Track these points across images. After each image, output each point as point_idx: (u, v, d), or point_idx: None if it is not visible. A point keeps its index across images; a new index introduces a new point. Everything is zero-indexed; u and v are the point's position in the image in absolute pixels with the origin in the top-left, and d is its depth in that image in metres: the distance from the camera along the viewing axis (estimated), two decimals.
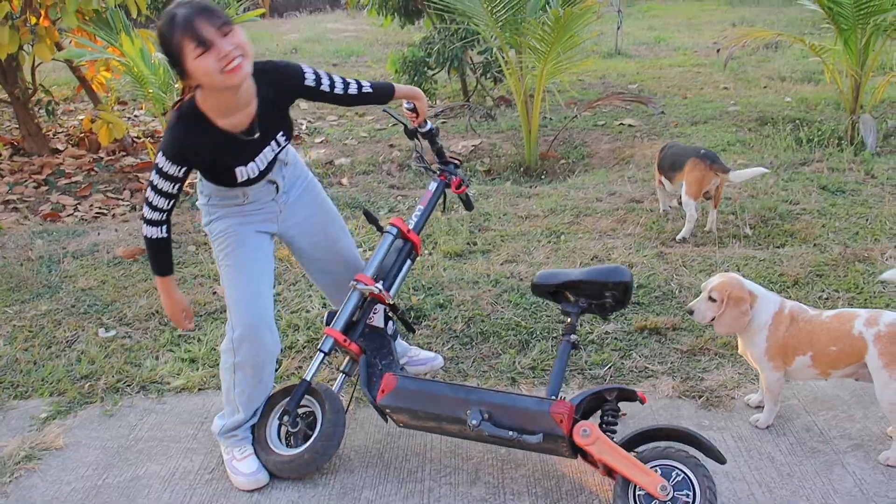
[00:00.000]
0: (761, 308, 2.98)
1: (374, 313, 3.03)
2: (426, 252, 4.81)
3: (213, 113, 2.62)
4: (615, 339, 3.75)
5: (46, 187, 6.69)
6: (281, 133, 2.84)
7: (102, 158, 7.46)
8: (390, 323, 3.10)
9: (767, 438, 3.03)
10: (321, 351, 2.97)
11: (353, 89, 3.01)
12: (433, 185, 3.31)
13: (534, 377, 3.48)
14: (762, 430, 3.07)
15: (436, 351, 3.68)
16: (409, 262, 3.20)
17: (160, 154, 2.64)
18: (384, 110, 3.44)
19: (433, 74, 8.77)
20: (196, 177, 2.90)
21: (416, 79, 8.46)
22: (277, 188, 2.96)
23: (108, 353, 3.81)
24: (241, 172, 2.76)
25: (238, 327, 2.86)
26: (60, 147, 7.76)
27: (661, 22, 15.92)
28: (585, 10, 6.17)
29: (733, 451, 2.95)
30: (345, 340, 2.94)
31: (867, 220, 4.94)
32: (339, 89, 2.96)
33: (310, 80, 2.86)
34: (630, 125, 7.77)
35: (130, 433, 3.24)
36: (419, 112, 3.23)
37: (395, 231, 3.14)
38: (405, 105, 3.23)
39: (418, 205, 3.27)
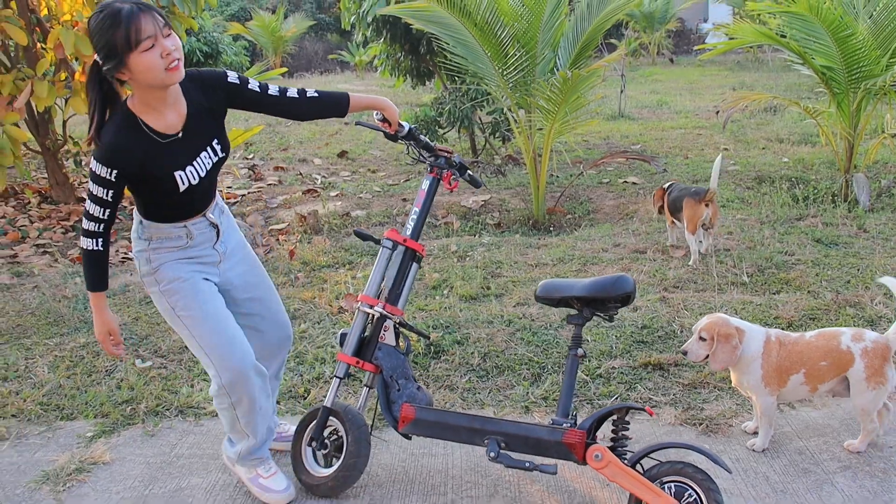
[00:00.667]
0: (750, 340, 3.26)
1: (385, 330, 3.08)
2: (444, 293, 5.09)
3: (144, 111, 2.65)
4: (621, 373, 4.00)
5: (73, 233, 7.00)
6: (216, 141, 2.83)
7: (126, 208, 7.78)
8: (404, 339, 3.15)
9: (763, 460, 3.27)
10: (336, 377, 3.10)
11: (292, 93, 2.97)
12: (425, 183, 3.21)
13: (546, 406, 3.74)
14: (758, 454, 3.32)
15: (453, 382, 3.95)
16: (414, 267, 3.17)
17: (93, 159, 2.64)
18: (357, 123, 3.43)
19: (444, 133, 9.13)
20: (132, 222, 2.92)
21: (427, 136, 8.81)
22: (218, 232, 2.94)
23: (147, 380, 4.07)
24: (181, 177, 2.73)
25: (225, 373, 2.87)
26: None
27: (663, 86, 16.39)
28: (591, 72, 6.53)
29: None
30: (357, 362, 3.06)
31: (858, 269, 5.22)
32: (273, 91, 2.92)
33: (232, 79, 2.83)
34: (633, 182, 8.11)
35: (171, 451, 3.49)
36: (390, 120, 3.15)
37: (390, 244, 3.12)
38: (375, 115, 3.18)
39: (413, 207, 3.20)
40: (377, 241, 3.14)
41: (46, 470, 3.34)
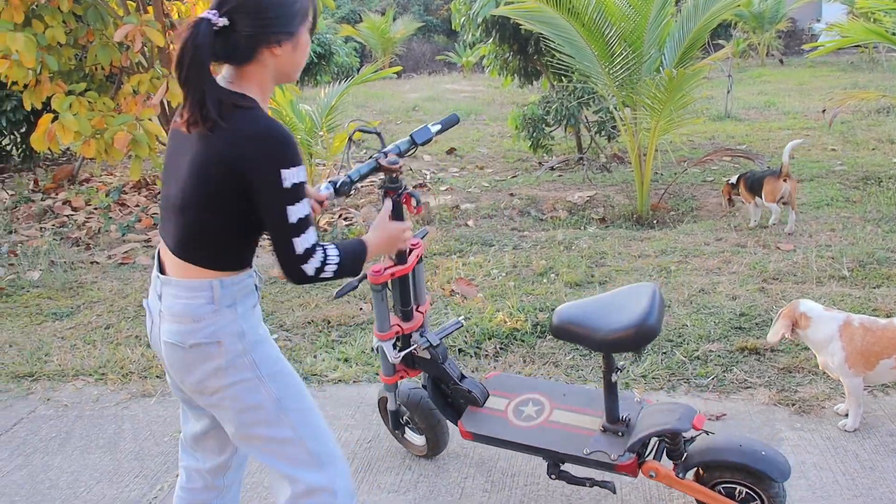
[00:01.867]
0: (820, 326, 3.44)
1: (414, 343, 3.08)
2: (550, 279, 5.35)
3: (264, 103, 2.12)
4: (718, 356, 4.19)
5: None
6: None
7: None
8: (433, 350, 3.08)
9: (854, 440, 3.43)
10: (387, 391, 3.21)
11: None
12: (388, 205, 2.68)
13: (644, 383, 3.96)
14: (850, 434, 3.47)
15: (558, 359, 4.21)
16: (418, 267, 3.07)
17: (288, 167, 1.98)
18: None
19: (550, 131, 9.36)
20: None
21: (533, 135, 9.06)
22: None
23: None
24: None
25: (341, 495, 2.24)
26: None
27: (772, 87, 16.23)
28: (697, 71, 6.68)
29: (821, 448, 3.37)
30: (401, 377, 3.15)
31: None
32: None
33: None
34: None
35: None
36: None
37: (377, 287, 2.94)
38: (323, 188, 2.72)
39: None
40: (357, 285, 3.00)
41: None
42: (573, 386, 3.34)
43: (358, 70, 19.33)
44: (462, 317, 3.90)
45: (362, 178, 2.80)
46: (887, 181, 7.63)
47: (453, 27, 11.25)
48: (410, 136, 3.01)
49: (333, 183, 2.68)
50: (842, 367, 3.41)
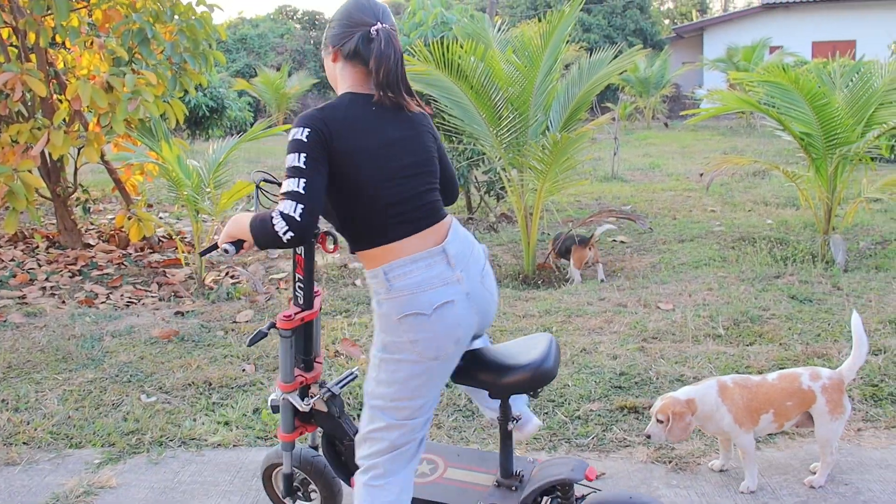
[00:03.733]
0: (704, 399, 3.52)
1: (305, 405, 2.96)
2: None
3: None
4: (598, 415, 4.25)
5: (80, 277, 7.27)
6: None
7: (131, 254, 8.08)
8: (333, 403, 3.01)
9: (727, 495, 3.51)
10: (285, 451, 3.05)
11: None
12: (300, 248, 2.90)
13: (527, 445, 3.98)
14: (721, 488, 3.56)
15: (441, 421, 4.19)
16: (315, 323, 3.02)
17: None
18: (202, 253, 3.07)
19: None
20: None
21: None
22: None
23: (152, 413, 4.32)
24: None
25: None
26: (92, 242, 8.39)
27: (657, 149, 16.82)
28: (581, 135, 6.88)
29: None
30: (300, 433, 3.04)
31: (829, 324, 5.49)
32: None
33: None
34: (622, 241, 8.42)
35: (175, 477, 3.72)
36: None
37: (287, 333, 2.88)
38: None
39: (294, 274, 2.96)
40: (270, 332, 2.94)
41: (56, 492, 3.58)
42: (466, 448, 3.33)
43: (251, 124, 19.23)
44: (356, 368, 3.85)
45: None
46: (761, 241, 7.95)
47: None
48: None
49: (234, 244, 2.64)
50: (732, 427, 3.49)
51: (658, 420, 3.49)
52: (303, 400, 2.95)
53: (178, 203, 7.70)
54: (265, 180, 3.04)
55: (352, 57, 2.52)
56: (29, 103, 7.61)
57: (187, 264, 7.44)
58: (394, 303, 2.46)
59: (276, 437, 4.06)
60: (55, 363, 5.08)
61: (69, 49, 8.19)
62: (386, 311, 2.48)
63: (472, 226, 9.01)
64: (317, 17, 37.80)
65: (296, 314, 2.89)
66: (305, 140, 2.35)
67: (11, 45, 7.74)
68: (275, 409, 3.02)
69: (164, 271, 7.54)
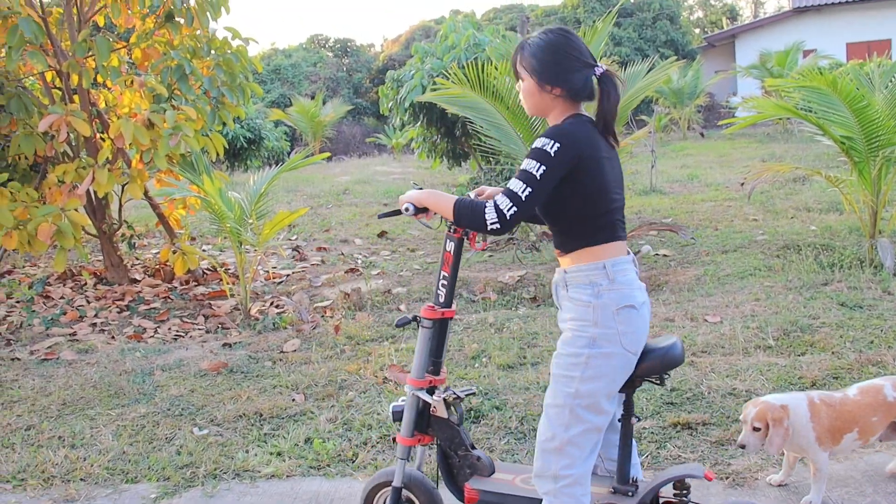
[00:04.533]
0: (796, 410, 3.43)
1: (436, 399, 3.04)
2: (483, 363, 5.35)
3: None
4: (651, 432, 4.22)
5: (128, 312, 7.37)
6: None
7: (176, 288, 8.17)
8: (454, 409, 3.08)
9: None
10: (400, 459, 3.10)
11: None
12: (450, 245, 3.00)
13: None
14: (781, 503, 3.51)
15: (492, 444, 4.18)
16: (448, 333, 3.13)
17: None
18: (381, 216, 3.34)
19: None
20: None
21: None
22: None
23: (205, 446, 4.35)
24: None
25: None
26: (138, 277, 8.50)
27: (694, 160, 16.70)
28: (619, 149, 6.85)
29: None
30: (418, 440, 3.09)
31: (882, 330, 5.41)
32: None
33: None
34: (664, 255, 8.35)
35: None
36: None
37: (429, 323, 3.03)
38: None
39: (440, 272, 3.03)
40: (418, 322, 3.07)
41: None
42: None
43: (289, 154, 19.44)
44: (475, 385, 3.89)
45: None
46: (806, 248, 7.85)
47: (381, 112, 11.42)
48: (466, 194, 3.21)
49: (412, 204, 2.95)
50: (811, 446, 3.41)
51: (754, 428, 3.38)
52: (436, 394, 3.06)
53: (221, 235, 7.79)
54: (421, 189, 3.13)
55: (576, 92, 2.76)
56: (74, 143, 7.75)
57: (232, 295, 7.51)
58: (616, 294, 2.69)
59: (349, 461, 4.08)
60: (108, 399, 5.14)
61: (111, 88, 8.33)
62: (606, 301, 2.68)
63: (515, 246, 9.00)
64: (349, 44, 38.12)
65: (437, 308, 3.03)
66: (552, 154, 2.60)
67: (55, 87, 7.89)
68: (396, 415, 3.11)
69: (209, 303, 7.61)
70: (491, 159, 9.23)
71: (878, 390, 3.50)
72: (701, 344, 5.42)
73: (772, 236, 8.67)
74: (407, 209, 2.93)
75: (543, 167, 2.59)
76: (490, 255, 8.91)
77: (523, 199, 2.58)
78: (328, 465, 4.09)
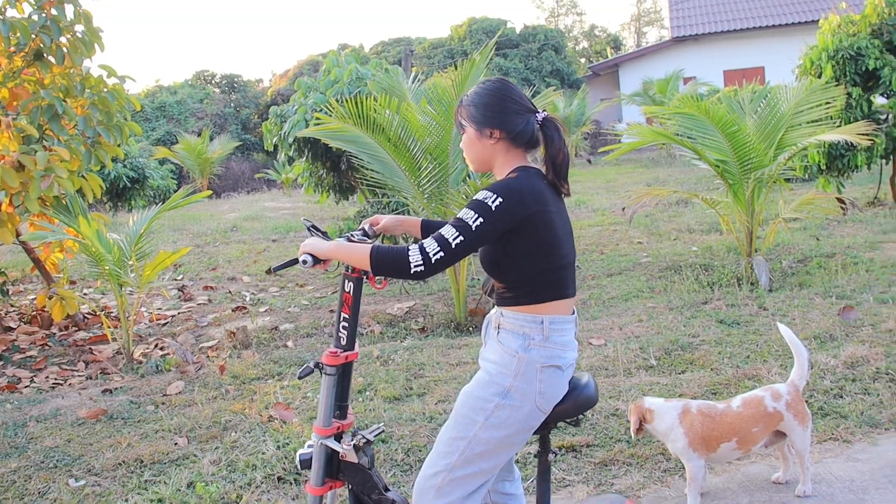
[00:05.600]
0: (663, 415, 3.62)
1: (345, 447, 2.93)
2: (368, 397, 5.31)
3: None
4: (535, 457, 4.23)
5: (2, 362, 7.05)
6: None
7: (55, 334, 7.88)
8: (364, 453, 2.97)
9: None
10: None
11: None
12: (349, 286, 2.95)
13: None
14: None
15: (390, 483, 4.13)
16: (351, 375, 3.07)
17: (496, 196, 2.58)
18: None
19: None
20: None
21: None
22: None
23: (81, 498, 4.17)
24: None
25: None
26: (13, 325, 8.17)
27: (582, 186, 17.04)
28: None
29: None
30: (329, 488, 3.00)
31: (758, 345, 5.58)
32: None
33: None
34: None
35: None
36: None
37: (333, 370, 2.93)
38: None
39: (340, 313, 2.96)
40: (321, 370, 2.96)
41: None
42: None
43: (175, 191, 19.03)
44: (382, 424, 3.80)
45: None
46: (687, 269, 8.08)
47: (266, 147, 11.31)
48: (361, 227, 3.20)
49: (311, 255, 2.82)
50: (685, 450, 3.56)
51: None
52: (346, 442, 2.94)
53: (101, 278, 7.55)
54: (313, 226, 3.10)
55: (516, 135, 2.72)
56: None
57: (114, 339, 7.28)
58: (545, 352, 2.64)
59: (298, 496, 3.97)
60: None
61: None
62: (533, 357, 2.63)
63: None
64: (235, 79, 37.70)
65: (340, 353, 2.94)
66: (493, 209, 2.54)
67: None
68: (304, 463, 2.99)
69: (90, 349, 7.36)
70: (377, 192, 9.23)
71: (759, 402, 3.64)
72: (585, 367, 5.49)
73: (655, 258, 8.90)
74: (305, 262, 2.82)
75: (481, 219, 2.53)
76: (373, 290, 8.87)
77: (453, 246, 2.52)
78: None
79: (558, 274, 2.68)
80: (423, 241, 2.56)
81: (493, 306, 2.80)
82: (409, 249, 2.54)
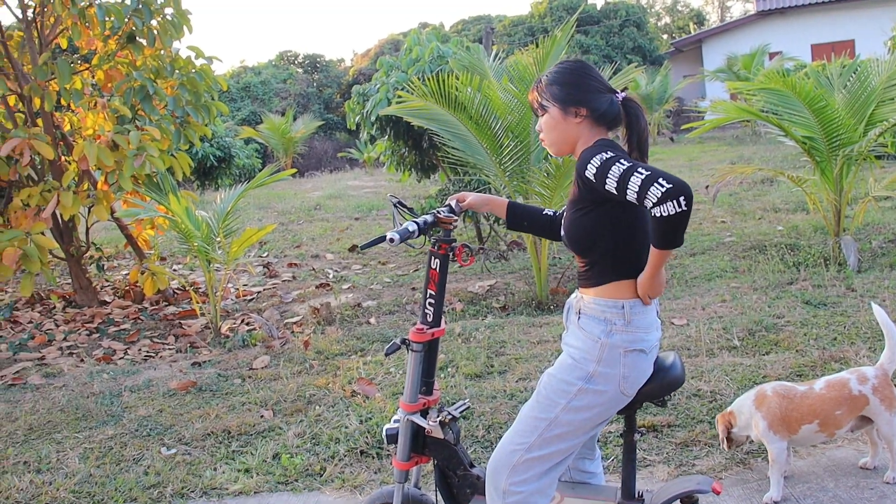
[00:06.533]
0: (741, 409, 3.64)
1: (431, 423, 2.96)
2: (450, 373, 5.37)
3: None
4: (617, 436, 4.24)
5: (98, 335, 7.33)
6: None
7: (147, 308, 8.14)
8: (449, 429, 2.97)
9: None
10: (398, 483, 3.02)
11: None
12: (435, 263, 2.95)
13: None
14: (743, 501, 3.54)
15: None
16: (436, 353, 3.04)
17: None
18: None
19: None
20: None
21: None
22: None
23: (172, 466, 4.33)
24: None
25: None
26: (108, 299, 8.46)
27: (665, 164, 16.80)
28: None
29: None
30: (416, 462, 3.02)
31: (845, 327, 5.47)
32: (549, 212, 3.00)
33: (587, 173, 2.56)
34: None
35: None
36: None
37: (419, 346, 2.94)
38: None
39: (426, 290, 2.97)
40: (408, 347, 2.96)
41: None
42: (580, 482, 3.15)
43: (260, 170, 19.38)
44: (466, 399, 3.86)
45: (428, 226, 2.94)
46: (772, 249, 7.93)
47: (348, 126, 11.43)
48: (447, 203, 3.13)
49: (399, 233, 2.82)
50: (766, 433, 3.54)
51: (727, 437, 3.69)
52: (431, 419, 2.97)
53: (189, 254, 7.77)
54: (399, 202, 3.13)
55: (601, 117, 2.67)
56: (38, 167, 7.70)
57: (203, 314, 7.49)
58: (628, 336, 2.60)
59: (315, 477, 4.08)
60: (75, 422, 5.11)
61: (74, 111, 8.31)
62: (616, 342, 2.59)
63: (484, 255, 9.03)
64: (318, 60, 38.13)
65: (427, 329, 2.95)
66: (613, 153, 2.48)
67: (18, 111, 7.85)
68: (390, 438, 3.01)
69: (180, 323, 7.59)
70: (459, 170, 9.26)
71: (843, 384, 3.57)
72: (667, 347, 5.45)
73: (739, 238, 8.76)
74: (392, 239, 2.79)
75: (623, 158, 2.45)
76: (460, 266, 8.93)
77: (649, 172, 2.35)
78: (296, 480, 4.09)
79: (640, 251, 2.61)
80: (644, 198, 2.35)
81: (575, 290, 2.78)
82: (655, 207, 2.33)
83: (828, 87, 7.91)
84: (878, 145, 8.00)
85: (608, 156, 2.47)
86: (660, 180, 2.31)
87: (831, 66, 9.21)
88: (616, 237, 2.61)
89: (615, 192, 2.43)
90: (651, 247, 2.49)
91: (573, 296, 2.81)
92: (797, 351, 5.15)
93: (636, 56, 31.55)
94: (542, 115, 2.75)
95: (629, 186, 2.37)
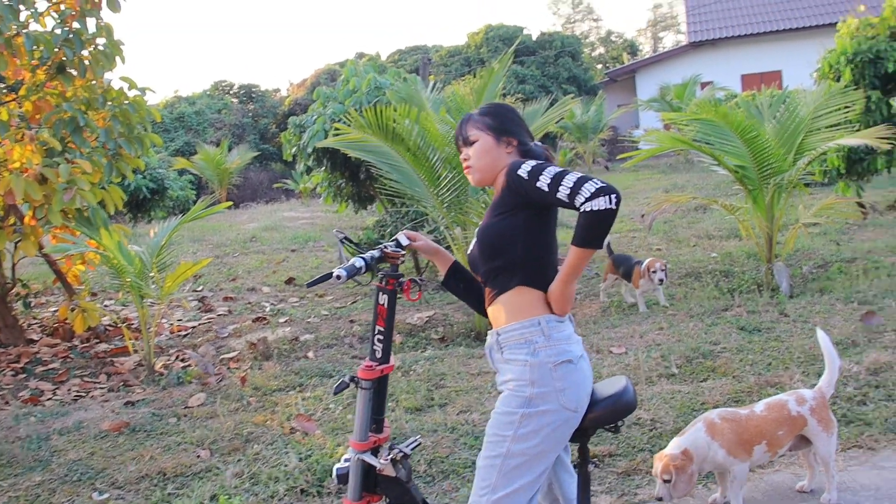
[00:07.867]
0: (696, 444, 3.56)
1: (383, 461, 2.90)
2: (390, 407, 5.31)
3: None
4: (575, 468, 4.22)
5: (24, 375, 7.10)
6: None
7: (77, 346, 7.93)
8: (401, 466, 2.93)
9: None
10: None
11: None
12: (383, 298, 2.96)
13: None
14: None
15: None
16: (385, 389, 3.03)
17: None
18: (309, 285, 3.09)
19: None
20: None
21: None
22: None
23: None
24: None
25: None
26: (35, 337, 8.23)
27: None
28: None
29: None
30: (367, 502, 2.94)
31: (779, 352, 5.55)
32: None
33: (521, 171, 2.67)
34: None
35: None
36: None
37: (368, 384, 2.92)
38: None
39: (374, 326, 2.96)
40: (356, 384, 2.93)
41: None
42: None
43: (194, 202, 19.10)
44: (418, 436, 3.80)
45: (375, 261, 2.93)
46: (706, 276, 8.05)
47: (284, 157, 11.35)
48: (395, 238, 3.10)
49: (346, 269, 2.82)
50: (727, 459, 3.55)
51: (664, 480, 3.49)
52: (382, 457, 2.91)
53: (122, 290, 7.60)
54: (346, 238, 3.15)
55: (526, 153, 2.85)
56: None
57: (136, 351, 7.32)
58: (552, 350, 2.65)
59: None
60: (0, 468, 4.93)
61: (0, 143, 8.10)
62: (542, 358, 2.64)
63: (422, 286, 8.99)
64: (253, 89, 37.87)
65: (376, 366, 2.92)
66: (544, 161, 2.70)
67: None
68: (341, 478, 2.95)
69: (112, 361, 7.40)
70: (396, 201, 9.24)
71: (782, 406, 3.66)
72: (606, 376, 5.47)
73: (675, 265, 8.86)
74: (339, 276, 2.80)
75: (550, 165, 2.63)
76: (399, 297, 8.87)
77: (579, 175, 2.53)
78: None
79: (546, 266, 2.73)
80: (576, 194, 2.49)
81: (488, 331, 2.79)
82: (587, 202, 2.48)
83: (758, 116, 8.08)
84: (807, 173, 8.18)
85: (541, 162, 2.68)
86: (593, 180, 2.50)
87: (761, 97, 9.45)
88: (527, 243, 2.70)
89: (546, 189, 2.56)
90: (571, 247, 2.58)
91: (489, 338, 2.82)
92: (734, 377, 5.20)
93: (571, 86, 31.94)
94: (470, 147, 2.85)
95: (562, 184, 2.52)
